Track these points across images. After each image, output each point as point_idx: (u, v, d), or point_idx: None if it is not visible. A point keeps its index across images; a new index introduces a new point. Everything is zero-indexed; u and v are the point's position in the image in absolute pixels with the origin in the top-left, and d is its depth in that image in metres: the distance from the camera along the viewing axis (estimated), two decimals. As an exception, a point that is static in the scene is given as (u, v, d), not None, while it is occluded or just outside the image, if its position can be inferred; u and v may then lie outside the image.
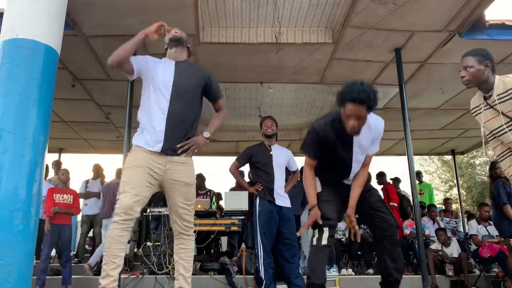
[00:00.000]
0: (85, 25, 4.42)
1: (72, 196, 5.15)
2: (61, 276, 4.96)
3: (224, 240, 6.53)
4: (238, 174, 4.59)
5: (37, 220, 2.48)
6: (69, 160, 12.45)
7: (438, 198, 15.59)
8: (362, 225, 5.53)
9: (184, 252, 2.63)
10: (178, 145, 2.55)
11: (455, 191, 16.25)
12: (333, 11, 4.63)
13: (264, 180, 4.20)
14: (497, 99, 2.36)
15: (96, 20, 4.29)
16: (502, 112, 2.35)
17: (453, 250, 5.51)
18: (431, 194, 8.80)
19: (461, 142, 8.98)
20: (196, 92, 2.67)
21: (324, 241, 2.56)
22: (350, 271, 5.50)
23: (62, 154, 9.24)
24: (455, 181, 10.88)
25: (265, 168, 4.22)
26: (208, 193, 6.38)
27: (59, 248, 5.50)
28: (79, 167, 21.12)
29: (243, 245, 5.41)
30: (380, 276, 2.85)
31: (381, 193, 6.76)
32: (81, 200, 6.42)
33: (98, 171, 7.19)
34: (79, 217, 7.51)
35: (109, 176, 9.20)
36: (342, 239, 5.90)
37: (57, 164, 7.18)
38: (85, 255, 7.04)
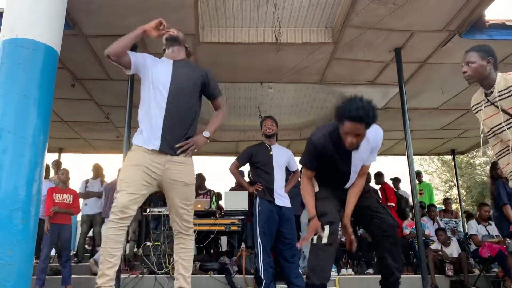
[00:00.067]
0: (85, 25, 4.43)
1: (72, 195, 5.15)
2: (60, 276, 4.96)
3: (224, 240, 6.54)
4: (238, 174, 4.60)
5: (36, 220, 2.48)
6: (69, 160, 12.50)
7: (438, 198, 15.59)
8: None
9: (184, 251, 2.63)
10: (177, 145, 2.54)
11: (455, 191, 16.26)
12: (333, 11, 4.63)
13: (264, 180, 4.20)
14: (498, 96, 2.36)
15: (96, 19, 4.30)
16: (502, 109, 2.35)
17: (453, 250, 5.51)
18: (431, 194, 8.80)
19: (461, 142, 8.98)
20: (195, 90, 2.66)
21: (325, 239, 2.54)
22: (350, 270, 5.50)
23: (62, 154, 9.24)
24: (455, 181, 10.88)
25: (265, 168, 4.22)
26: (208, 193, 6.38)
27: (59, 248, 5.50)
28: (79, 167, 21.10)
29: (243, 245, 5.41)
30: (380, 275, 2.86)
31: (378, 192, 6.85)
32: (81, 200, 6.42)
33: (98, 171, 7.19)
34: (79, 217, 7.51)
35: (109, 176, 9.20)
36: (342, 239, 5.89)
37: (57, 164, 7.18)
38: (85, 254, 7.05)
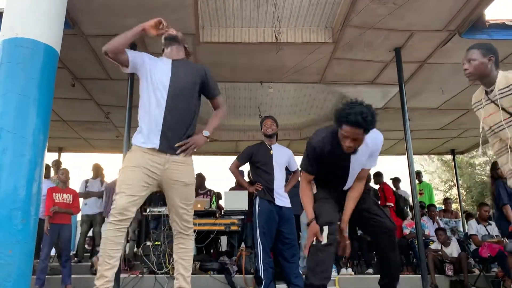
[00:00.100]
0: (85, 25, 4.43)
1: (71, 195, 5.15)
2: (60, 276, 4.96)
3: (223, 239, 6.54)
4: (238, 173, 4.59)
5: (36, 220, 2.47)
6: (68, 160, 12.49)
7: (438, 198, 15.58)
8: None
9: (184, 251, 2.62)
10: (177, 144, 2.53)
11: (454, 191, 16.25)
12: (333, 10, 4.63)
13: (264, 179, 4.19)
14: (498, 94, 2.36)
15: (96, 19, 4.29)
16: (502, 107, 2.34)
17: (453, 250, 5.51)
18: (430, 194, 8.80)
19: (461, 142, 8.98)
20: (194, 89, 2.65)
21: (324, 240, 2.54)
22: (349, 270, 5.50)
23: (62, 154, 9.24)
24: (454, 181, 10.88)
25: (265, 167, 4.22)
26: (208, 192, 6.38)
27: (59, 248, 5.50)
28: (79, 166, 21.13)
29: (242, 245, 5.41)
30: (379, 275, 2.88)
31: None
32: (81, 200, 6.42)
33: (97, 171, 7.19)
34: (78, 217, 7.51)
35: (109, 175, 9.20)
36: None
37: (56, 164, 7.18)
38: (85, 254, 7.05)
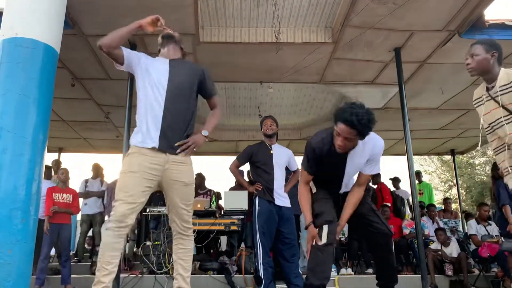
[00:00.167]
0: (85, 25, 4.43)
1: (71, 195, 5.15)
2: (60, 276, 4.96)
3: (223, 239, 6.54)
4: (238, 173, 4.59)
5: (36, 219, 2.47)
6: (68, 160, 12.47)
7: (437, 198, 15.60)
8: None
9: (183, 252, 2.61)
10: (177, 144, 2.52)
11: (454, 191, 16.27)
12: (333, 10, 4.63)
13: (264, 179, 4.19)
14: (499, 91, 2.36)
15: (96, 19, 4.29)
16: (502, 104, 2.34)
17: (453, 250, 5.51)
18: (430, 194, 8.80)
19: (460, 142, 8.99)
20: (192, 89, 2.65)
21: (324, 239, 2.55)
22: (349, 270, 5.51)
23: (62, 154, 9.24)
24: (454, 181, 10.88)
25: (265, 167, 4.22)
26: (208, 192, 6.38)
27: (59, 248, 5.50)
28: (79, 166, 21.13)
29: (242, 245, 5.41)
30: (376, 277, 2.92)
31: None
32: (81, 200, 6.42)
33: (97, 171, 7.19)
34: (78, 217, 7.50)
35: (109, 175, 9.20)
36: (342, 239, 5.90)
37: (56, 164, 7.17)
38: (85, 254, 7.05)
